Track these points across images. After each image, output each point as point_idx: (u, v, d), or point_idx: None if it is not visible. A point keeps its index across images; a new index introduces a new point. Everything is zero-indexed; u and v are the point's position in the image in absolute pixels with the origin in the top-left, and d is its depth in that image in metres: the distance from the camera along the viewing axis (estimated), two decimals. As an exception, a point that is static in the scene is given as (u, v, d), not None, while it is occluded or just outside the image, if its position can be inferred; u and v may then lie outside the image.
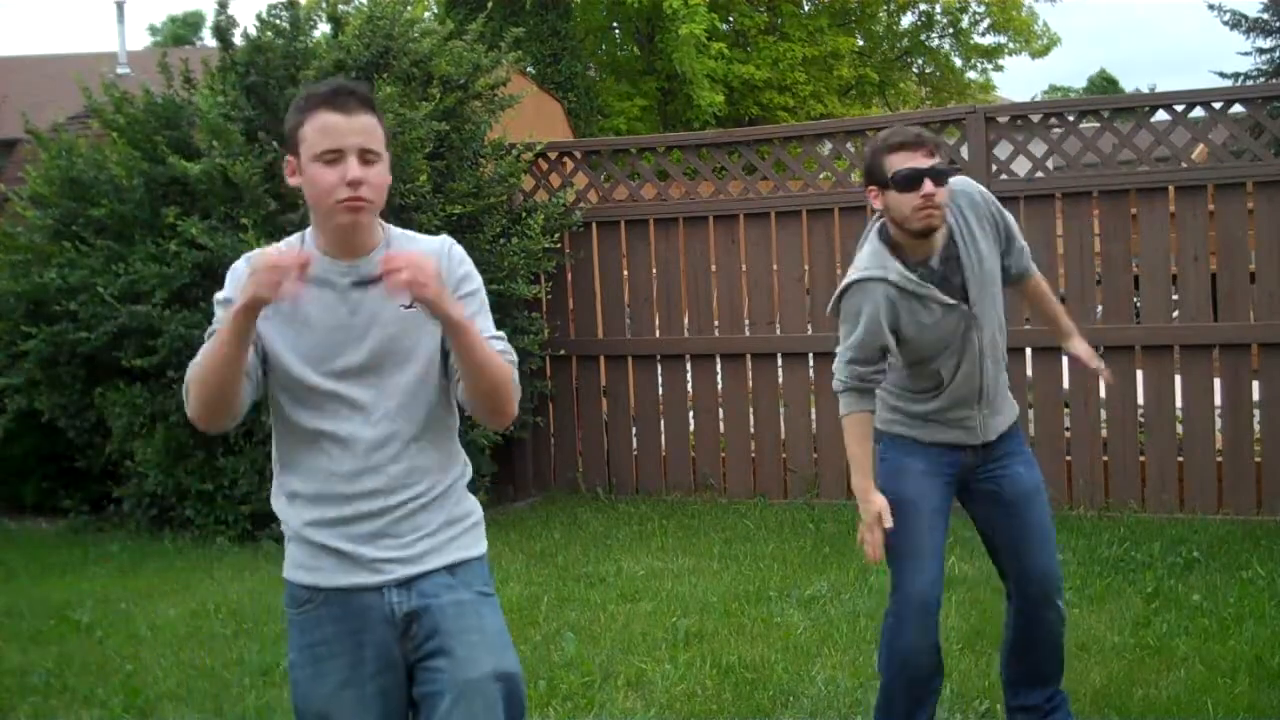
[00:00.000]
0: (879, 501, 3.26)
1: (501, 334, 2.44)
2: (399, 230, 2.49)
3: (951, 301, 3.29)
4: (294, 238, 2.50)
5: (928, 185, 3.15)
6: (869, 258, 3.31)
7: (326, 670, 2.40)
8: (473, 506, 2.52)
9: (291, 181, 2.43)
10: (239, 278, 2.39)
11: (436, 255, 2.39)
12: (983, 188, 3.40)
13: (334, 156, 2.30)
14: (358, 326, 2.37)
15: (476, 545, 2.48)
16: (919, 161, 3.17)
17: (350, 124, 2.31)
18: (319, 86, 2.39)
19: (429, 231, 4.61)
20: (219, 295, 2.46)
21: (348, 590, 2.39)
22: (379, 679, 2.38)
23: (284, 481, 2.45)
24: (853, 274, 3.32)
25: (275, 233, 6.56)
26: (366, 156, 2.31)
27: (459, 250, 2.46)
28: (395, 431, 2.38)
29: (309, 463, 2.40)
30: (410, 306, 2.32)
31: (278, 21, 7.15)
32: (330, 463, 2.37)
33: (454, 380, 2.41)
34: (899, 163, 3.18)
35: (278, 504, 2.48)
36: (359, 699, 2.38)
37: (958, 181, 3.32)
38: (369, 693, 2.38)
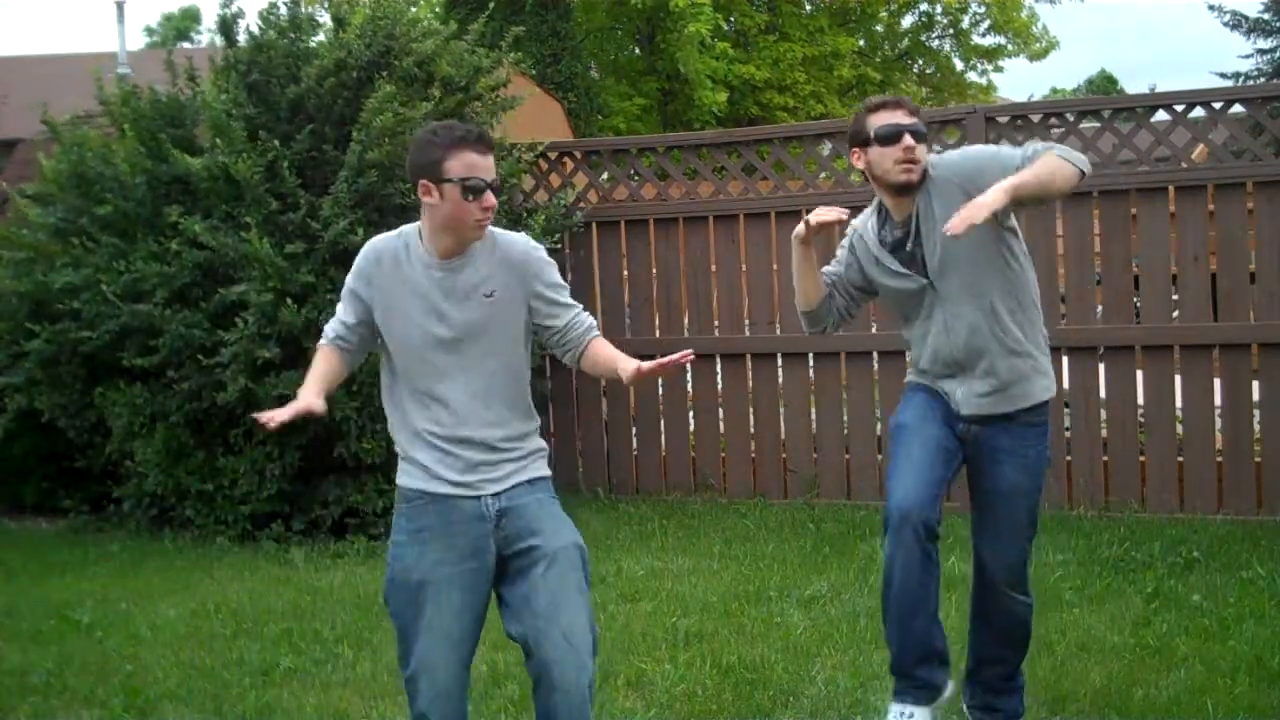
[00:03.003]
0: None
1: (579, 306, 3.21)
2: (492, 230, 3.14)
3: (904, 271, 3.50)
4: (408, 229, 3.15)
5: (907, 139, 3.39)
6: (863, 214, 3.66)
7: (429, 550, 3.06)
8: (541, 443, 3.24)
9: (425, 200, 3.04)
10: (360, 263, 3.14)
11: (509, 256, 3.11)
12: (959, 156, 3.51)
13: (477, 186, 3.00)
14: (449, 310, 3.06)
15: (544, 469, 3.20)
16: (899, 119, 3.41)
17: (486, 163, 3.02)
18: (459, 129, 3.06)
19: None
20: (349, 282, 3.16)
21: (450, 497, 3.07)
22: (467, 562, 3.06)
23: (398, 424, 3.15)
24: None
25: (276, 232, 6.57)
26: (498, 187, 3.06)
27: (536, 254, 3.16)
28: (479, 389, 3.07)
29: (418, 412, 3.09)
30: (490, 296, 3.06)
31: (278, 19, 7.14)
32: (434, 413, 3.07)
33: (563, 351, 3.21)
34: (881, 120, 3.43)
35: (397, 435, 3.17)
36: (449, 574, 3.04)
37: (932, 163, 3.47)
38: (458, 571, 3.05)
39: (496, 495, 3.08)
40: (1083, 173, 3.32)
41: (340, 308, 3.18)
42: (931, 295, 3.49)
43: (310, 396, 3.03)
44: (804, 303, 3.64)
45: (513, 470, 3.12)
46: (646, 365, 3.00)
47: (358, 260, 3.15)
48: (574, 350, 3.19)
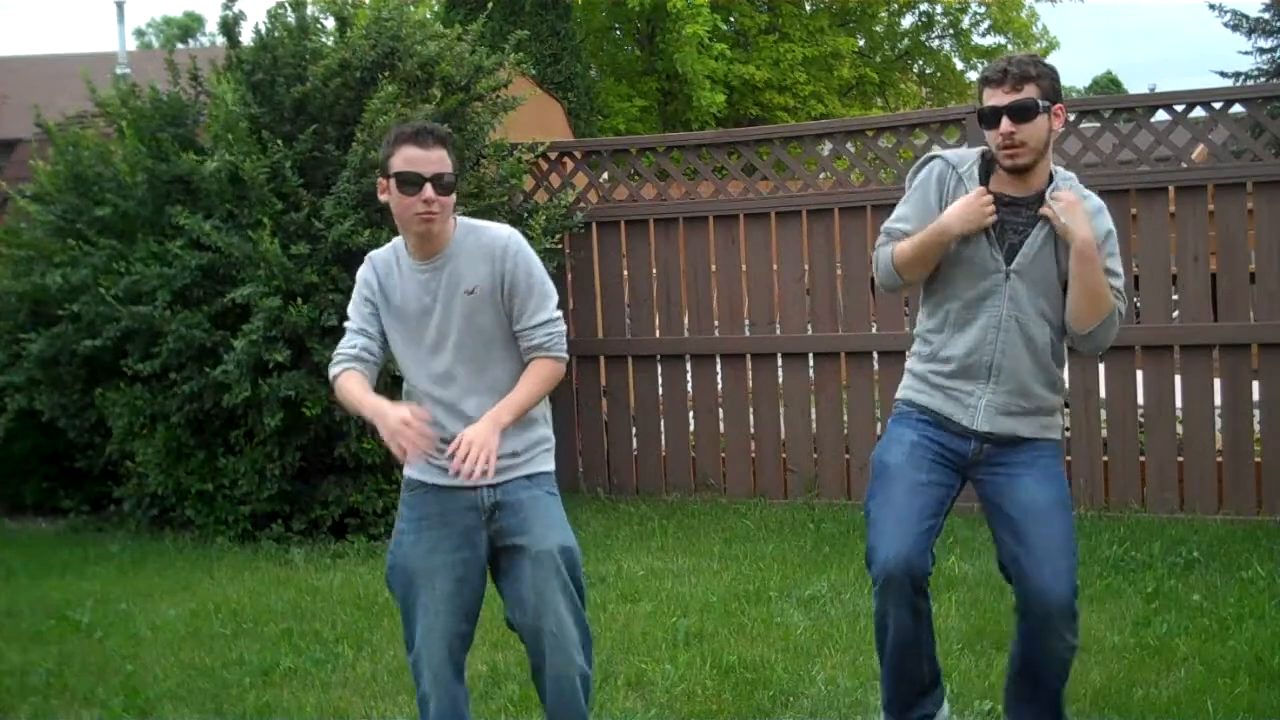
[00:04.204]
0: None
1: (545, 315, 3.14)
2: (467, 221, 3.18)
3: (992, 244, 3.21)
4: (398, 239, 3.23)
5: (1005, 123, 3.12)
6: (959, 152, 3.34)
7: (425, 538, 3.16)
8: (546, 433, 3.25)
9: (382, 198, 3.14)
10: (361, 280, 3.22)
11: (489, 251, 3.11)
12: (1100, 218, 3.24)
13: (414, 180, 3.04)
14: (436, 310, 3.11)
15: (547, 464, 3.22)
16: (999, 98, 3.13)
17: (428, 156, 3.04)
18: (405, 126, 3.13)
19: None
20: (357, 295, 3.23)
21: (447, 488, 3.13)
22: (461, 552, 3.16)
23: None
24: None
25: (279, 232, 6.56)
26: (440, 181, 3.04)
27: (515, 244, 3.15)
28: (477, 385, 3.11)
29: (420, 404, 3.12)
30: (471, 292, 3.08)
31: (286, 20, 7.14)
32: (435, 412, 3.10)
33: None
34: (985, 99, 3.17)
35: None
36: (443, 563, 3.15)
37: (1082, 192, 3.25)
38: (451, 560, 3.15)
39: (492, 488, 3.13)
40: (1117, 321, 3.25)
41: (354, 321, 3.20)
42: (1001, 287, 3.22)
43: (390, 407, 3.01)
44: (906, 279, 3.30)
45: (510, 465, 3.14)
46: (459, 447, 2.95)
47: (363, 272, 3.22)
48: (524, 358, 3.18)
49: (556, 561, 3.13)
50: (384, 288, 3.18)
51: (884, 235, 3.31)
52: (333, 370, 3.20)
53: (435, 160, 3.05)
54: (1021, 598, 3.27)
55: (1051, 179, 3.29)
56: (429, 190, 3.02)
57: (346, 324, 3.23)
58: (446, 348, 3.12)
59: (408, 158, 3.04)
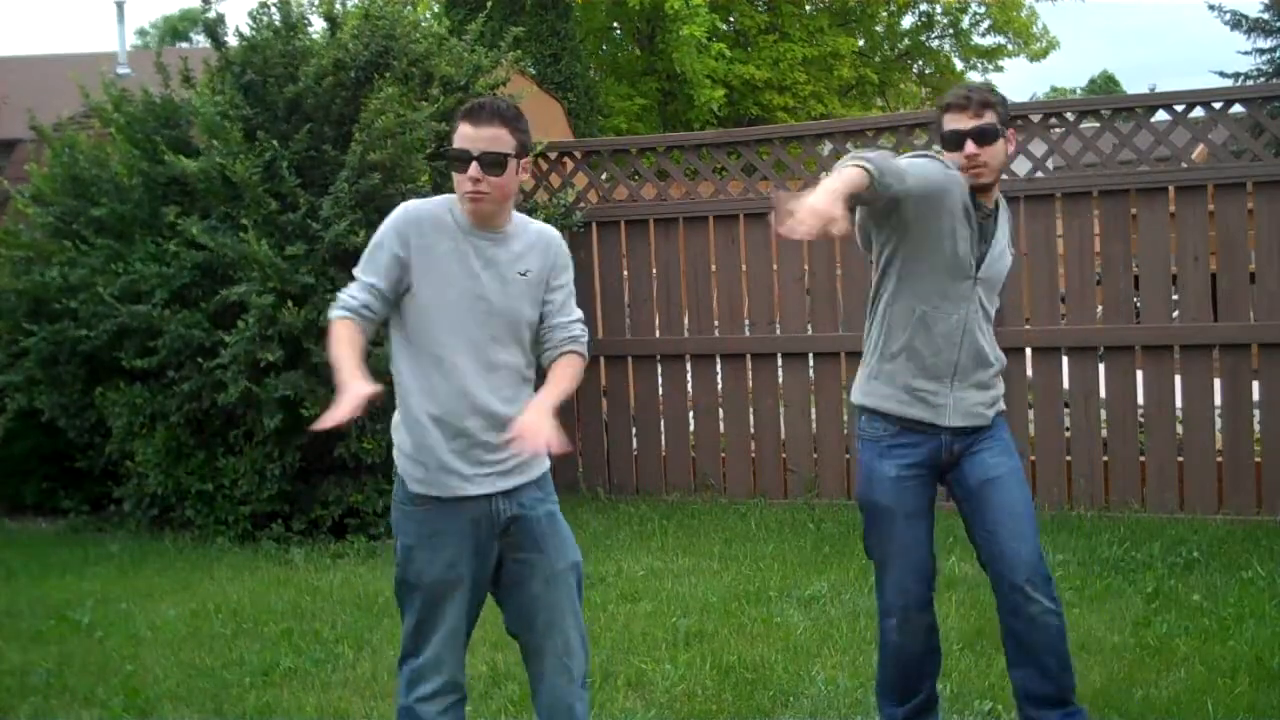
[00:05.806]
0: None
1: (578, 314, 3.19)
2: (520, 216, 3.16)
3: (972, 253, 3.39)
4: (446, 196, 3.12)
5: (969, 146, 3.33)
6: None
7: (442, 555, 3.07)
8: None
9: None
10: (399, 225, 3.05)
11: (545, 243, 3.14)
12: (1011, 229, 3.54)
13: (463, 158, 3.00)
14: (487, 278, 3.05)
15: (547, 460, 3.15)
16: (962, 123, 3.34)
17: (478, 134, 2.99)
18: (470, 102, 3.10)
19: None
20: (388, 244, 3.05)
21: (458, 499, 3.05)
22: (474, 561, 3.09)
23: (406, 395, 3.07)
24: None
25: (274, 233, 6.57)
26: (487, 160, 2.98)
27: (563, 245, 3.21)
28: (493, 362, 3.04)
29: (430, 378, 3.03)
30: (524, 274, 3.07)
31: (270, 19, 7.13)
32: (446, 380, 3.02)
33: (540, 349, 3.16)
34: (947, 123, 3.38)
35: (396, 432, 3.13)
36: (460, 576, 3.08)
37: (1001, 203, 3.51)
38: (467, 571, 3.08)
39: (507, 495, 3.07)
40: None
41: (368, 272, 3.03)
42: (971, 292, 3.40)
43: (360, 384, 2.82)
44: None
45: (518, 464, 3.07)
46: (512, 438, 2.88)
47: (393, 223, 3.04)
48: (547, 352, 3.15)
49: (570, 581, 3.13)
50: (424, 241, 3.02)
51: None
52: (332, 313, 3.04)
53: (486, 138, 2.98)
54: (993, 565, 3.43)
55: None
56: (474, 169, 2.97)
57: (357, 271, 3.06)
58: (482, 315, 3.02)
59: (461, 134, 3.00)
